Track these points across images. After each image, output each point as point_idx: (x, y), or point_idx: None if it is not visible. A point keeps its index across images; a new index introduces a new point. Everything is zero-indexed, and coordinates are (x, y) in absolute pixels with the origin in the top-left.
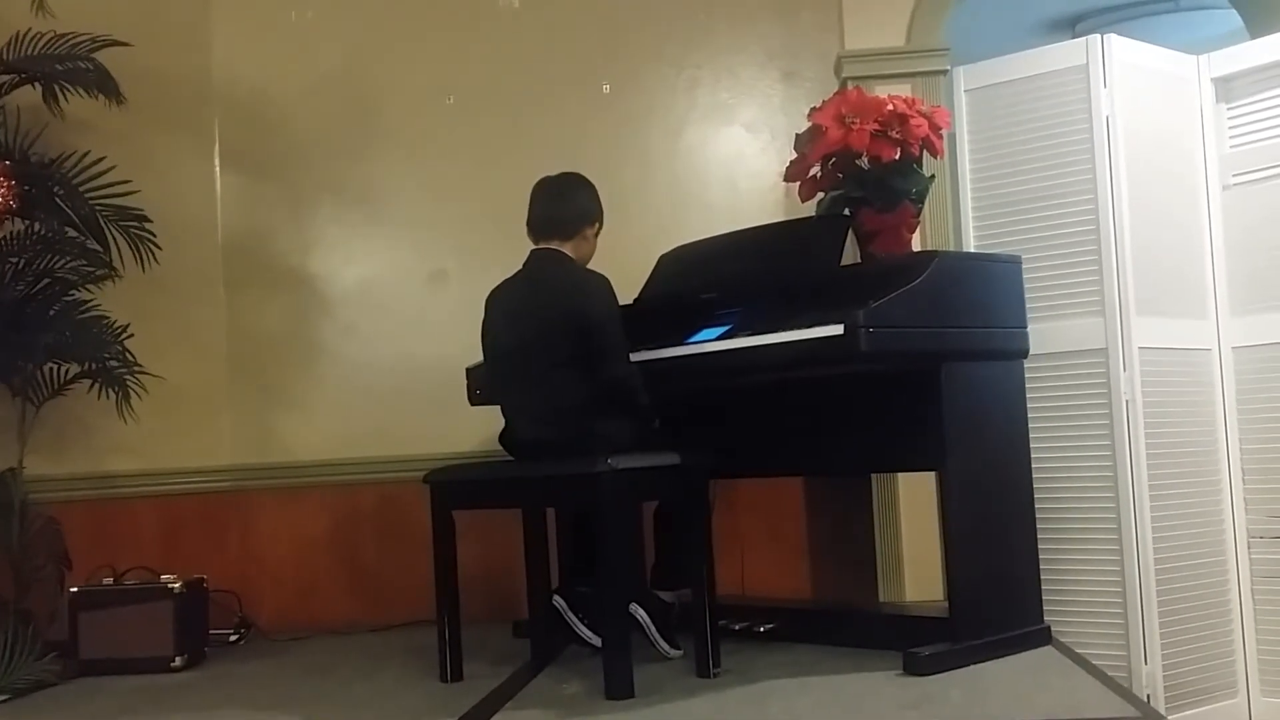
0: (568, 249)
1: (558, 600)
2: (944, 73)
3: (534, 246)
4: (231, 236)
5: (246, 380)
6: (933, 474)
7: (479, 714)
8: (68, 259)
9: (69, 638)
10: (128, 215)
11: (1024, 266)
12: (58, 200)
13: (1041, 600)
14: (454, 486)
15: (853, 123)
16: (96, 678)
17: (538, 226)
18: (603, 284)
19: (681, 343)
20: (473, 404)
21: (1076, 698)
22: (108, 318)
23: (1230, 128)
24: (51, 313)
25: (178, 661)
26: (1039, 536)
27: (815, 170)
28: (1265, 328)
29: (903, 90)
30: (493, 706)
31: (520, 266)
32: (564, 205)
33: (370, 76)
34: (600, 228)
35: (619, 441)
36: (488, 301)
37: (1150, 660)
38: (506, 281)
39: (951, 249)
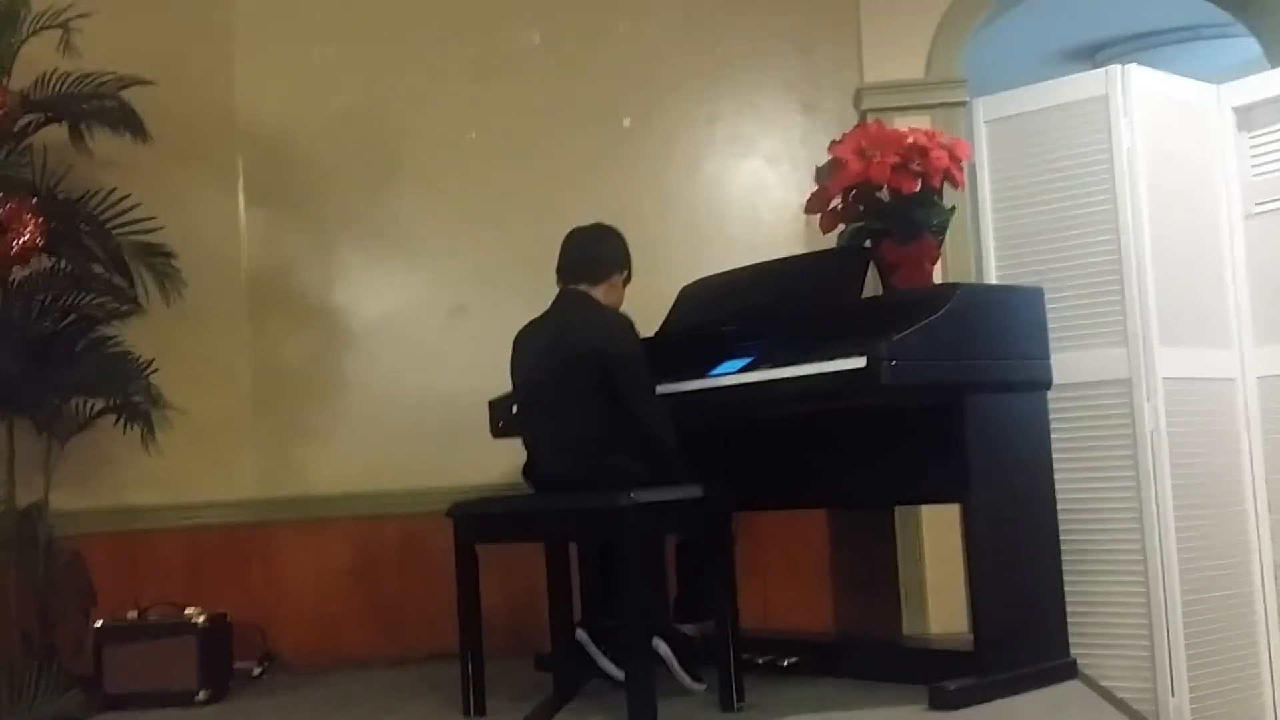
0: (596, 293)
1: (581, 634)
2: (963, 104)
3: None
4: (255, 271)
5: (270, 413)
6: (956, 505)
7: None
8: (94, 295)
9: (94, 672)
10: (153, 251)
11: (1046, 297)
12: (84, 237)
13: (1067, 633)
14: (477, 519)
15: (873, 155)
16: (121, 712)
17: (567, 270)
18: (625, 323)
19: (704, 375)
20: (495, 437)
21: None
22: (133, 353)
23: (1251, 156)
24: (77, 348)
25: (202, 695)
26: (1064, 568)
27: (836, 202)
28: None
29: (922, 121)
30: None
31: (544, 302)
32: (594, 251)
33: (392, 112)
34: (629, 277)
35: (641, 475)
36: (515, 340)
37: (1177, 693)
38: (534, 320)
39: (973, 281)
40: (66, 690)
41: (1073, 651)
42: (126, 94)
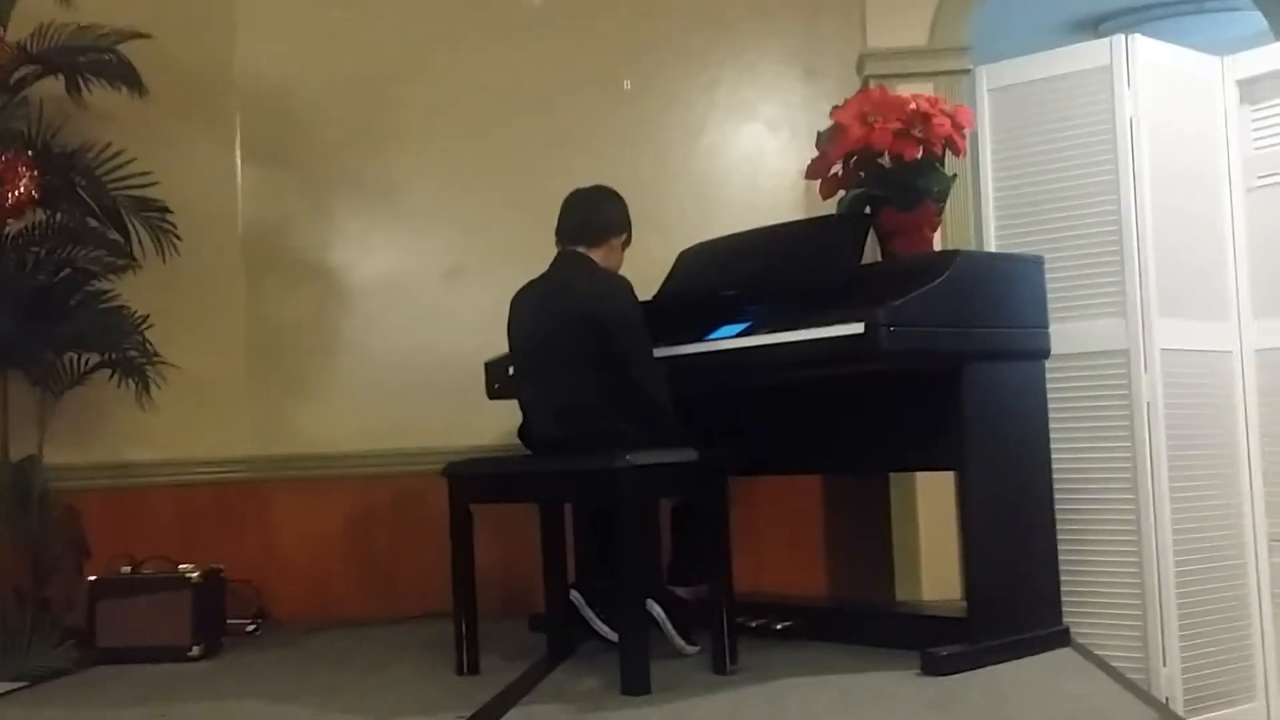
0: (595, 255)
1: (575, 595)
2: (967, 72)
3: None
4: (252, 228)
5: (265, 371)
6: (951, 473)
7: (495, 708)
8: (89, 249)
9: (87, 626)
10: (149, 206)
11: (1046, 267)
12: (79, 191)
13: (1060, 601)
14: (472, 480)
15: (875, 121)
16: (114, 666)
17: (566, 232)
18: (624, 286)
19: (700, 340)
20: (491, 398)
21: (1095, 700)
22: (128, 308)
23: (1254, 130)
24: (72, 302)
25: (195, 651)
26: (1058, 537)
27: (836, 168)
28: None
29: (925, 89)
30: (509, 700)
31: (542, 264)
32: (593, 213)
33: (392, 71)
34: (628, 241)
35: (636, 439)
36: (512, 301)
37: (1169, 662)
38: (531, 282)
39: (973, 249)
40: (59, 644)
41: (1065, 620)
42: (124, 48)
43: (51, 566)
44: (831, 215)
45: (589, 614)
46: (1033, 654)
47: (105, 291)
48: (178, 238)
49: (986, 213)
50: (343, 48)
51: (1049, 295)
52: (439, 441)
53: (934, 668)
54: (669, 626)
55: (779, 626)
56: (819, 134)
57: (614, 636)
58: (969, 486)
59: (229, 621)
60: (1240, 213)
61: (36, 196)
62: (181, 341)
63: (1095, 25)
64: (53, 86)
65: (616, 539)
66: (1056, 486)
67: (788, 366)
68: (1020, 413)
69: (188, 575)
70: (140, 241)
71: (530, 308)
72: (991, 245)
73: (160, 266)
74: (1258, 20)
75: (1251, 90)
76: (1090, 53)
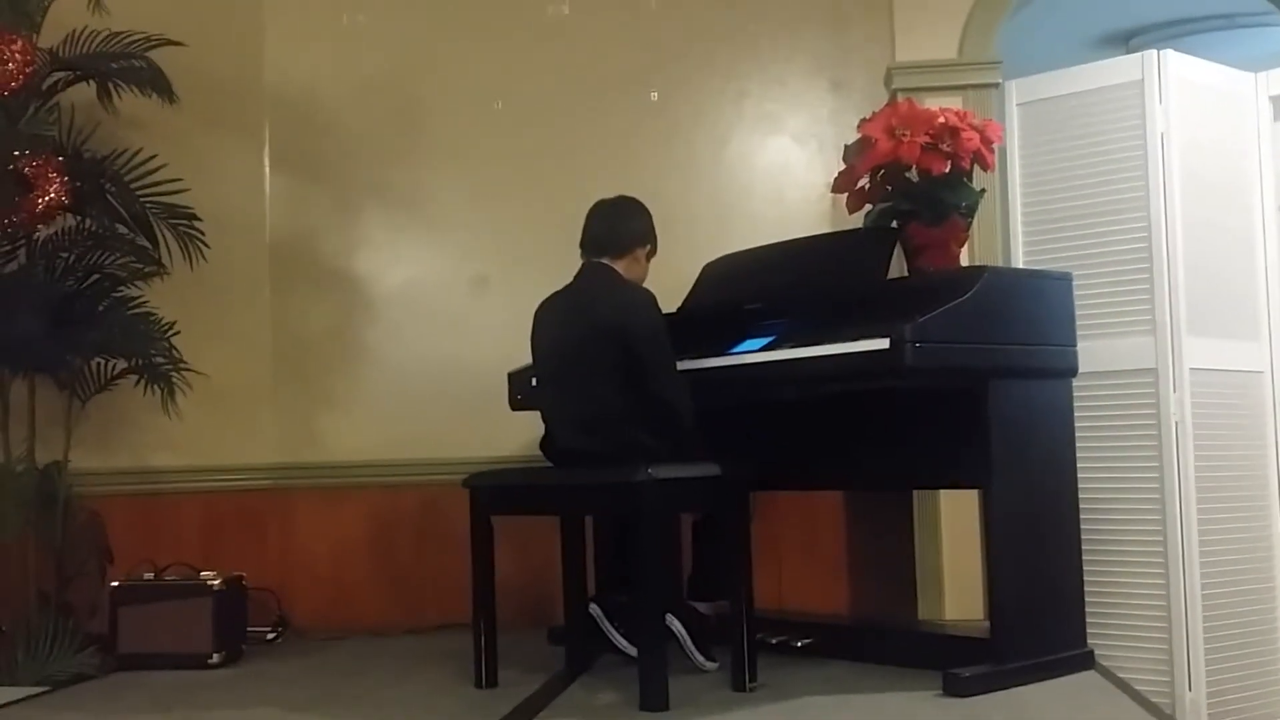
0: (619, 266)
1: (594, 608)
2: (996, 86)
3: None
4: (279, 236)
5: (290, 379)
6: (975, 491)
7: None
8: (117, 255)
9: (109, 631)
10: (177, 213)
11: (1074, 284)
12: (109, 197)
13: (1085, 623)
14: (494, 492)
15: (903, 135)
16: (135, 672)
17: (590, 244)
18: (648, 299)
19: (724, 353)
20: (514, 409)
21: None
22: (155, 314)
23: None
24: (100, 308)
25: (215, 658)
26: (1083, 558)
27: (864, 182)
28: None
29: (953, 103)
30: (527, 713)
31: (567, 275)
32: (618, 224)
33: (419, 81)
34: (653, 252)
35: (658, 452)
36: (536, 312)
37: (1194, 687)
38: (555, 293)
39: (1000, 264)
40: (81, 649)
41: (1090, 642)
42: (155, 54)
43: (75, 571)
44: (858, 229)
45: (608, 628)
46: (1056, 676)
47: (133, 298)
48: (205, 245)
49: (1014, 228)
50: (370, 57)
51: (1077, 312)
52: (461, 452)
53: (956, 689)
54: (688, 642)
55: (799, 643)
56: (846, 147)
57: (633, 651)
58: (994, 505)
59: (250, 629)
60: (1272, 230)
61: (66, 202)
62: (207, 349)
63: (1126, 40)
64: (84, 92)
65: (637, 553)
66: (1082, 506)
67: (812, 381)
68: (1046, 431)
69: (209, 582)
70: (168, 248)
71: (554, 319)
72: (1019, 261)
73: (187, 273)
74: None
75: None
76: (1121, 67)
